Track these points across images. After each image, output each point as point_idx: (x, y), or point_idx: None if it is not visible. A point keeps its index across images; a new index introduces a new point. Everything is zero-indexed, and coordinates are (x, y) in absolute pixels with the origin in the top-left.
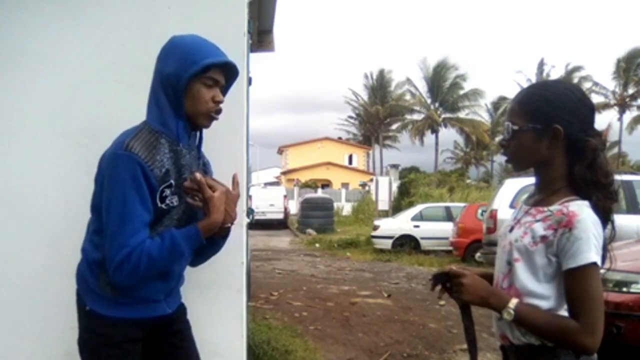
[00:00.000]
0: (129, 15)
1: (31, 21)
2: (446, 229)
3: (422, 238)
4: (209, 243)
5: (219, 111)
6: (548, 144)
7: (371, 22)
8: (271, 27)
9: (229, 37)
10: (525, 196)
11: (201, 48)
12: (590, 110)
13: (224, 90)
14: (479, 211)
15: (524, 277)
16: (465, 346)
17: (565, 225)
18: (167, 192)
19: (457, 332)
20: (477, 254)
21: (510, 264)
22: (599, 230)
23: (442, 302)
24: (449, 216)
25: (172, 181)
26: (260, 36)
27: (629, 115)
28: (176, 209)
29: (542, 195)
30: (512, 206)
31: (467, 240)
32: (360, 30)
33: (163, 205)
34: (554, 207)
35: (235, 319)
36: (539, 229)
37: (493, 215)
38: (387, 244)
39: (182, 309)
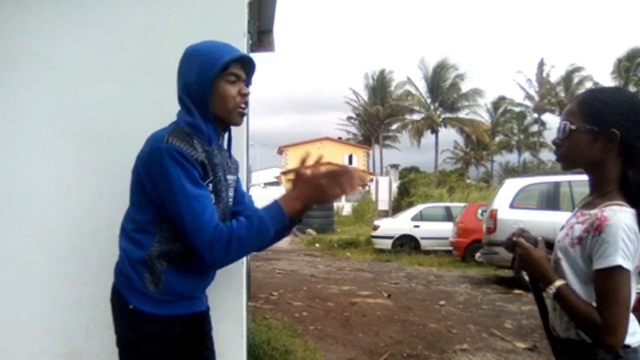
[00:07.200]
0: (129, 15)
1: (31, 21)
2: (446, 229)
3: (422, 238)
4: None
5: (247, 104)
6: (602, 147)
7: (371, 22)
8: (271, 27)
9: (229, 37)
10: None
11: (216, 49)
12: None
13: (247, 84)
14: (479, 211)
15: (567, 276)
16: (465, 346)
17: (596, 228)
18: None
19: (457, 332)
20: (477, 254)
21: (556, 262)
22: (630, 236)
23: (442, 302)
24: (449, 216)
25: (211, 176)
26: (260, 36)
27: None
28: None
29: (592, 198)
30: (512, 206)
31: (467, 240)
32: (360, 30)
33: None
34: (594, 211)
35: (235, 319)
36: (578, 230)
37: (493, 215)
38: (387, 244)
39: (208, 309)
